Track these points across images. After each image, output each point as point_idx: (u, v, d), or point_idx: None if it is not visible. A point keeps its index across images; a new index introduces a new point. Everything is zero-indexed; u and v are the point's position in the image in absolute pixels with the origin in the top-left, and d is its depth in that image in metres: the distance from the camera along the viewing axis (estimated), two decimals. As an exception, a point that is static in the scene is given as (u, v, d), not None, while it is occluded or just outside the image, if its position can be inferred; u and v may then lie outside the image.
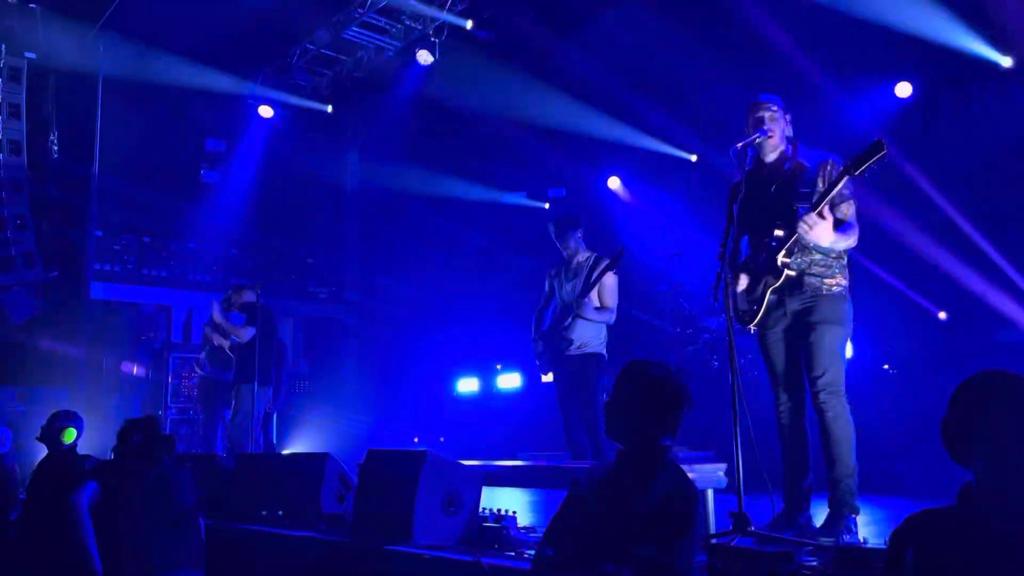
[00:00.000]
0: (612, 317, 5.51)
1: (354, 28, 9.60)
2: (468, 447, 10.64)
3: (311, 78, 11.08)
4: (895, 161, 9.46)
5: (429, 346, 12.25)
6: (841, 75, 8.56)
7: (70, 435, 5.01)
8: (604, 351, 5.51)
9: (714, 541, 3.07)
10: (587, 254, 5.64)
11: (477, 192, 13.11)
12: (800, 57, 8.33)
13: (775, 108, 3.85)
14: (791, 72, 8.29)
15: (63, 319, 9.68)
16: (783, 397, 3.85)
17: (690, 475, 3.42)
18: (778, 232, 3.63)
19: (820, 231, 3.52)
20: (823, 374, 3.59)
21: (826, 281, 3.70)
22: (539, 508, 5.61)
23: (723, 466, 4.06)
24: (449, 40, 9.39)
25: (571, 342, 5.46)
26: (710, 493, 3.70)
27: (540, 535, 2.79)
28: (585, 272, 5.50)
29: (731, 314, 3.54)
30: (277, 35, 10.18)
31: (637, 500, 2.33)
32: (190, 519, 4.05)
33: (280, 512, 4.61)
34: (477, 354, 12.03)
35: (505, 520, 3.64)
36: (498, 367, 11.70)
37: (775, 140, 3.83)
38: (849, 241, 3.68)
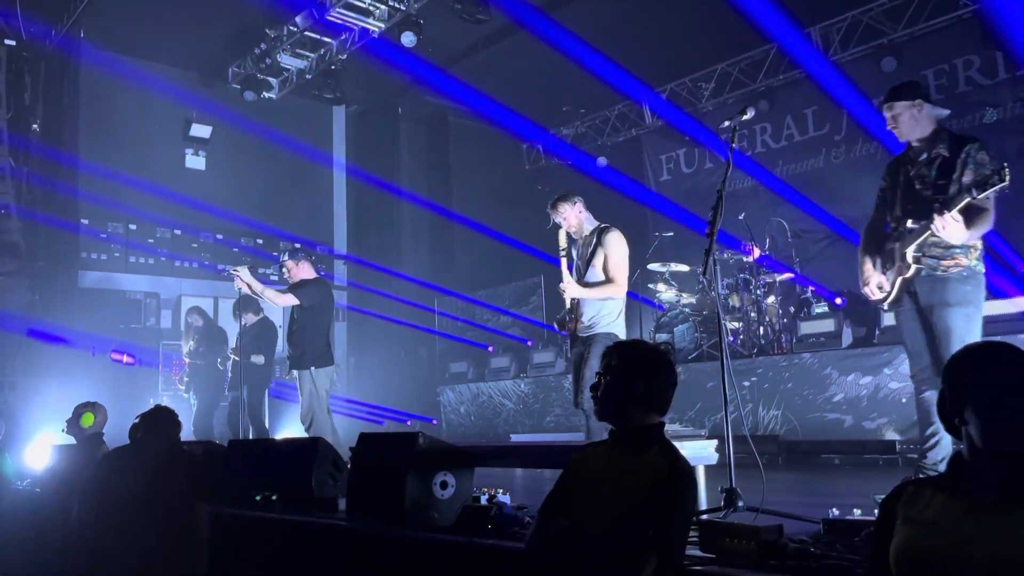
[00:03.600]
0: (616, 291, 5.07)
1: (338, 9, 9.51)
2: (460, 429, 10.69)
3: (295, 61, 10.99)
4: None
5: (421, 329, 12.26)
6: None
7: (88, 419, 5.26)
8: (616, 330, 5.09)
9: (705, 517, 3.10)
10: (593, 225, 5.29)
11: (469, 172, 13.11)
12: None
13: (899, 105, 3.99)
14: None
15: (52, 309, 9.62)
16: (913, 370, 4.05)
17: (681, 451, 3.46)
18: (911, 224, 3.83)
19: (953, 231, 3.65)
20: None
21: (943, 263, 3.84)
22: (532, 488, 5.63)
23: (714, 442, 4.09)
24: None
25: (581, 320, 5.11)
26: (701, 469, 3.73)
27: (533, 515, 2.80)
28: (592, 245, 5.18)
29: (719, 292, 3.55)
30: (261, 17, 10.08)
31: (631, 478, 2.34)
32: (187, 507, 4.06)
33: (273, 496, 4.61)
34: (469, 337, 12.06)
35: (498, 501, 3.65)
36: (490, 350, 11.73)
37: (902, 133, 4.02)
38: (982, 230, 3.76)
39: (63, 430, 5.55)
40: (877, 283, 4.12)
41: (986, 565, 1.50)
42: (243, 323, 8.25)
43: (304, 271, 7.04)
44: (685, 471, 2.34)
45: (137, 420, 4.21)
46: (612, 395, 2.48)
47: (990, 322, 6.53)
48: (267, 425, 8.66)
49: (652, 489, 2.27)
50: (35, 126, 10.03)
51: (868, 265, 4.20)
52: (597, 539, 2.31)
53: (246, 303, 8.32)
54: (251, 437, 8.05)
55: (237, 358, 8.11)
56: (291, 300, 6.84)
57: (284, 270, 7.10)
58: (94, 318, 10.08)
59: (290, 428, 9.83)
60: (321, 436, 5.73)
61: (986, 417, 1.65)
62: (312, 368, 6.69)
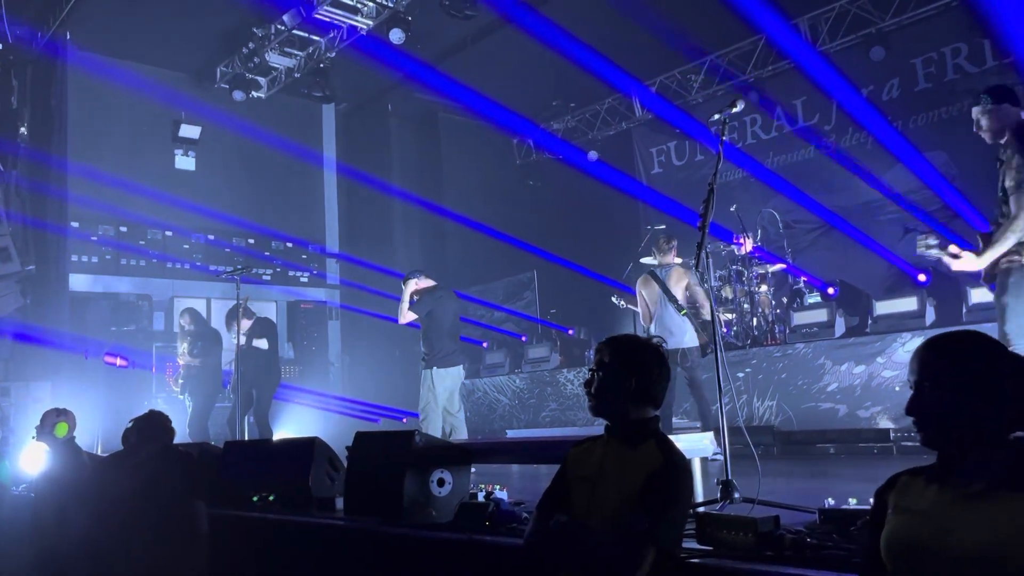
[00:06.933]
0: (703, 314, 6.66)
1: (325, 7, 9.48)
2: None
3: (284, 60, 10.95)
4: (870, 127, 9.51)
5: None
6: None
7: (62, 429, 5.20)
8: (692, 343, 6.58)
9: (702, 509, 3.11)
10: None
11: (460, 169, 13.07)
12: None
13: (981, 108, 4.07)
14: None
15: (43, 312, 9.59)
16: None
17: (678, 444, 3.47)
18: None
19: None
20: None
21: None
22: (529, 484, 5.65)
23: (709, 435, 4.10)
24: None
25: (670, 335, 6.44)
26: (697, 461, 3.73)
27: (531, 511, 2.81)
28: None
29: (711, 284, 3.56)
30: (248, 17, 10.05)
31: (628, 472, 2.35)
32: (185, 509, 4.05)
33: (270, 497, 4.61)
34: (463, 333, 12.06)
35: (495, 497, 3.66)
36: (484, 346, 11.73)
37: (986, 136, 4.08)
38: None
39: (33, 437, 5.50)
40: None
41: (972, 554, 1.50)
42: (240, 329, 8.23)
43: (423, 284, 7.49)
44: (680, 464, 2.35)
45: (130, 424, 4.20)
46: (605, 391, 2.49)
47: (981, 309, 6.60)
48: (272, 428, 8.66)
49: (648, 482, 2.28)
50: (23, 129, 9.98)
51: None
52: (596, 533, 2.32)
53: (244, 311, 8.31)
54: (257, 438, 8.06)
55: (243, 343, 8.15)
56: (411, 316, 7.35)
57: (414, 296, 7.42)
58: (86, 321, 10.04)
59: (287, 428, 9.83)
60: (431, 432, 6.06)
61: (912, 411, 1.66)
62: (434, 368, 7.09)
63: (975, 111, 4.11)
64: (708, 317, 6.85)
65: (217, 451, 5.43)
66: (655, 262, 7.21)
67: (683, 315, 6.60)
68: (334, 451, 4.71)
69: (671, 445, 2.41)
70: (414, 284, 7.44)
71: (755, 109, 10.83)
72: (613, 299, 8.44)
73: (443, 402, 7.06)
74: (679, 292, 6.69)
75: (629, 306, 8.17)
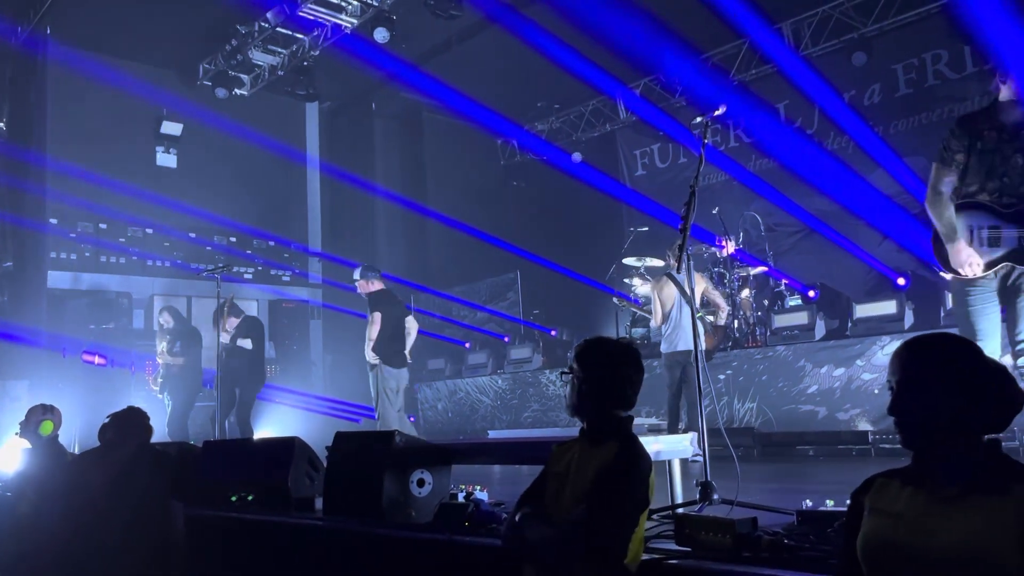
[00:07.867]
0: (721, 316, 7.08)
1: (309, 5, 9.44)
2: (438, 426, 10.67)
3: (267, 57, 10.89)
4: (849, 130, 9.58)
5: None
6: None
7: (47, 427, 5.14)
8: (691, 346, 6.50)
9: (680, 510, 3.12)
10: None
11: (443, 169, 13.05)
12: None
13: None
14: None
15: (21, 310, 9.48)
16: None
17: (657, 446, 3.48)
18: None
19: None
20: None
21: None
22: (510, 485, 5.64)
23: (690, 436, 4.11)
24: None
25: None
26: (677, 463, 3.75)
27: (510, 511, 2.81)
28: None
29: (691, 287, 3.57)
30: (232, 14, 9.98)
31: (585, 469, 2.40)
32: (159, 508, 4.01)
33: (249, 497, 4.58)
34: (446, 334, 12.04)
35: (475, 498, 3.66)
36: (467, 346, 11.72)
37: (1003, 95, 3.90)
38: None
39: (17, 433, 5.42)
40: (970, 261, 3.89)
41: (947, 555, 1.52)
42: (227, 327, 8.17)
43: (373, 286, 7.86)
44: (631, 461, 2.36)
45: (107, 420, 4.15)
46: (577, 391, 2.53)
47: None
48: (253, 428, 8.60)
49: (596, 477, 2.33)
50: (1, 124, 9.87)
51: (962, 243, 3.94)
52: (548, 524, 2.37)
53: (231, 309, 8.25)
54: (238, 437, 8.00)
55: (227, 342, 8.10)
56: (375, 321, 7.74)
57: (357, 287, 7.91)
58: (64, 319, 9.94)
59: (267, 428, 9.77)
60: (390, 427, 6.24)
61: (893, 412, 1.68)
62: (382, 368, 7.59)
63: None
64: (723, 322, 7.25)
65: (196, 450, 5.38)
66: (660, 263, 7.32)
67: (699, 317, 6.74)
68: (314, 451, 4.69)
69: (631, 444, 2.43)
70: (365, 284, 7.79)
71: (738, 113, 10.87)
72: (615, 300, 8.60)
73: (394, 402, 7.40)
74: (696, 295, 6.88)
75: (631, 308, 8.29)
